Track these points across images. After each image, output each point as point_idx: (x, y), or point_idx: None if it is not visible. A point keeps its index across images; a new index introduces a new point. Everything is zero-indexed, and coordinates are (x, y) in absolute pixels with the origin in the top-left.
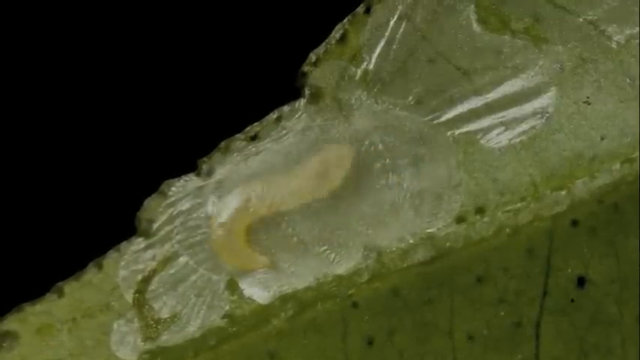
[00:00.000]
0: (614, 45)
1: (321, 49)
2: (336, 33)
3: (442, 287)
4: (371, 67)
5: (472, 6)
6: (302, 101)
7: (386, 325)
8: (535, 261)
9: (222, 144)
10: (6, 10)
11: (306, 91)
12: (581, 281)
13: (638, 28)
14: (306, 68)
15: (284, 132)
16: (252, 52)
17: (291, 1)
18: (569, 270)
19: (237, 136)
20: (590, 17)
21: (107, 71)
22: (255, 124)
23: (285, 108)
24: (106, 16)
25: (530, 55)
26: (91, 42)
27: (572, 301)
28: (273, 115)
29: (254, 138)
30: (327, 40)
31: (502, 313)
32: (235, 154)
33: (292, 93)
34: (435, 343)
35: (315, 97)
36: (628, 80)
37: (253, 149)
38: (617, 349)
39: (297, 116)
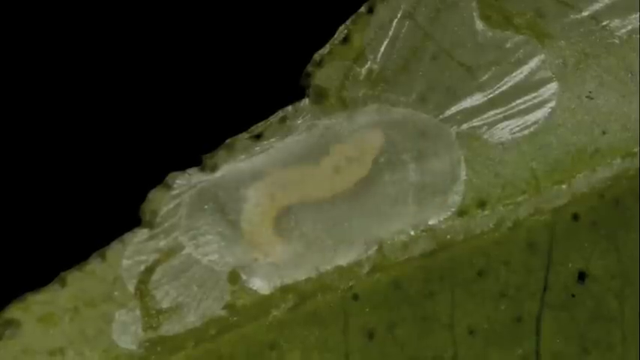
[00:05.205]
0: (616, 40)
1: (325, 50)
2: (340, 34)
3: (443, 280)
4: (375, 66)
5: (474, 2)
6: (306, 101)
7: (386, 317)
8: (536, 255)
9: (227, 142)
10: (6, 10)
11: (311, 92)
12: (581, 276)
13: (639, 24)
14: (310, 69)
15: (288, 131)
16: (258, 54)
17: (295, 2)
18: (570, 265)
19: (242, 134)
20: (592, 12)
21: (118, 70)
22: (260, 123)
23: (290, 108)
24: (114, 14)
25: (532, 51)
26: (98, 39)
27: (573, 296)
28: (278, 115)
29: (258, 137)
30: (330, 41)
31: (503, 308)
32: (240, 152)
33: (298, 93)
34: (436, 336)
35: (320, 97)
36: (630, 75)
37: (257, 148)
38: (617, 345)
39: (301, 116)
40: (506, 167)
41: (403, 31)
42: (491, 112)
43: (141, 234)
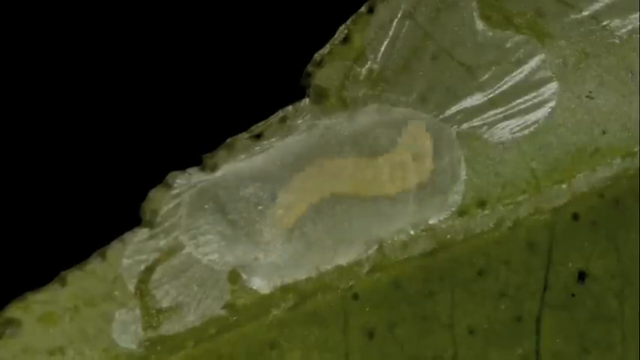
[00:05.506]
0: (616, 40)
1: (325, 50)
2: (340, 34)
3: (443, 280)
4: (375, 66)
5: (474, 2)
6: (306, 101)
7: (386, 317)
8: (536, 255)
9: (227, 141)
10: (6, 10)
11: (311, 92)
12: (581, 276)
13: (639, 24)
14: (310, 69)
15: (289, 131)
16: (259, 54)
17: (295, 2)
18: (570, 264)
19: (242, 134)
20: (592, 12)
21: (118, 70)
22: (260, 123)
23: (290, 108)
24: (114, 14)
25: (532, 50)
26: (98, 39)
27: (573, 295)
28: (278, 115)
29: (258, 137)
30: (330, 41)
31: (503, 307)
32: (240, 152)
33: (298, 93)
34: (436, 336)
35: (320, 97)
36: (630, 75)
37: (257, 148)
38: (617, 345)
39: (301, 116)
40: (507, 167)
41: (403, 30)
42: (492, 112)
43: (141, 233)
